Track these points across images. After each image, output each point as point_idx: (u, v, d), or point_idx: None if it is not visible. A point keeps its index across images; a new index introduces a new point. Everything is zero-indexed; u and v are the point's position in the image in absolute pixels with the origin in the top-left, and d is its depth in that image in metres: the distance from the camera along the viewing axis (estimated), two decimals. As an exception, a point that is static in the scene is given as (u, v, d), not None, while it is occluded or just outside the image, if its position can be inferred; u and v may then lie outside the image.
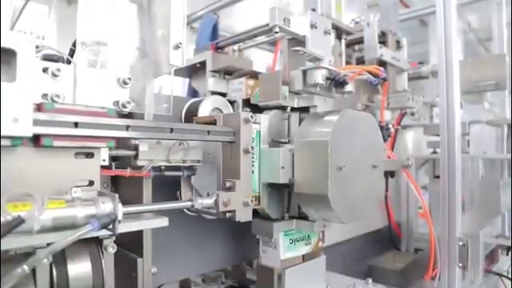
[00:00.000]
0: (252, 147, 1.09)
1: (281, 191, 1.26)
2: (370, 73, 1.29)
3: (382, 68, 1.33)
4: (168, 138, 0.99)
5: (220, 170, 1.13)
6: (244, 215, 1.08)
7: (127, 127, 0.88)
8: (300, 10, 1.86)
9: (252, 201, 1.09)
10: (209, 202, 1.03)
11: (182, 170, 1.16)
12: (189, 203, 1.00)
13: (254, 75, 1.47)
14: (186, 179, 1.20)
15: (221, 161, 1.13)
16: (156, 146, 1.04)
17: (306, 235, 1.36)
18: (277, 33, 1.34)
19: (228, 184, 1.07)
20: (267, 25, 1.35)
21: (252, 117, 1.10)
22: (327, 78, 1.22)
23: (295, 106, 1.29)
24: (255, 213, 1.23)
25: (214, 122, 1.12)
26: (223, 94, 1.52)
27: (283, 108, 1.27)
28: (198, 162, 1.16)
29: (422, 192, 1.94)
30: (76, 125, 0.80)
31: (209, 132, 1.04)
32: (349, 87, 1.28)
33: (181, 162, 1.11)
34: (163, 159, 1.06)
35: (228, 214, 1.07)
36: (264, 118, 1.24)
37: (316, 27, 1.38)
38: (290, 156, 1.18)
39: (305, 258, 1.37)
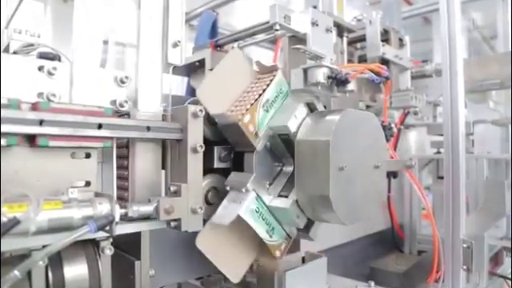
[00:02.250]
0: (201, 146, 0.99)
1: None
2: (372, 71, 1.29)
3: (384, 66, 1.32)
4: (98, 136, 0.86)
5: (168, 171, 1.05)
6: (192, 224, 0.99)
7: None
8: (301, 8, 1.86)
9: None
10: (147, 209, 0.92)
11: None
12: (122, 211, 0.88)
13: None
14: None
15: (169, 162, 1.05)
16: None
17: (273, 227, 1.16)
18: (277, 30, 1.33)
19: (173, 188, 0.98)
20: (267, 22, 1.35)
21: (201, 111, 1.01)
22: (329, 77, 1.19)
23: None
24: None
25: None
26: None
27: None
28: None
29: (425, 193, 1.94)
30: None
31: (148, 128, 0.95)
32: (351, 86, 1.26)
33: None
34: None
35: (173, 223, 0.98)
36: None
37: (317, 25, 1.37)
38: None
39: (305, 259, 1.37)
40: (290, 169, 1.19)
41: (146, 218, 0.96)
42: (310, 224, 1.21)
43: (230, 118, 1.06)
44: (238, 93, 1.15)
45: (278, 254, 1.18)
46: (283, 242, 1.20)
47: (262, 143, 1.13)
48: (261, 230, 1.12)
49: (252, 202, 1.10)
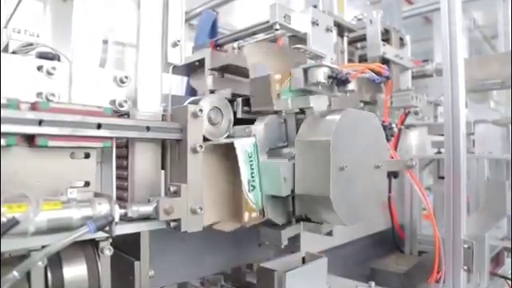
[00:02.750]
0: (201, 146, 0.99)
1: (285, 198, 1.24)
2: (372, 71, 1.29)
3: (385, 66, 1.32)
4: (97, 136, 0.87)
5: (168, 171, 1.05)
6: (192, 225, 0.98)
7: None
8: (301, 7, 1.86)
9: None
10: (147, 209, 0.92)
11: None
12: (121, 211, 0.88)
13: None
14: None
15: (168, 161, 1.05)
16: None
17: (254, 185, 1.14)
18: (277, 30, 1.33)
19: (173, 188, 0.97)
20: (267, 22, 1.35)
21: (201, 111, 1.01)
22: (329, 77, 1.19)
23: (290, 108, 1.25)
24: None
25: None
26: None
27: (278, 111, 1.25)
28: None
29: (426, 193, 1.94)
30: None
31: (148, 128, 0.95)
32: (351, 86, 1.27)
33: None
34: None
35: (173, 224, 0.98)
36: (259, 125, 1.21)
37: (317, 24, 1.37)
38: (291, 167, 1.16)
39: (305, 260, 1.37)
40: (292, 150, 1.19)
41: (145, 218, 0.96)
42: (287, 224, 1.25)
43: (266, 70, 1.21)
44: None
45: (246, 217, 1.12)
46: (255, 211, 1.16)
47: (279, 107, 1.22)
48: (245, 176, 1.11)
49: (250, 142, 1.12)
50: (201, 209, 1.00)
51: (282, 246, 1.25)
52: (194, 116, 1.00)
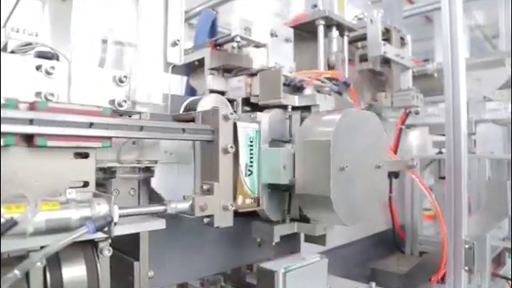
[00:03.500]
0: (232, 147, 1.04)
1: (281, 193, 1.26)
2: (329, 78, 1.34)
3: (341, 72, 1.36)
4: (140, 137, 0.93)
5: (198, 170, 1.09)
6: (224, 220, 1.03)
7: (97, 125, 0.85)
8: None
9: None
10: (184, 206, 0.97)
11: (137, 172, 1.08)
12: (161, 208, 0.94)
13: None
14: (143, 182, 1.12)
15: (198, 161, 1.08)
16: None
17: (251, 170, 1.16)
18: (238, 42, 1.48)
19: (206, 187, 1.02)
20: (230, 35, 1.50)
21: (232, 114, 1.05)
22: (284, 84, 1.27)
23: (296, 104, 1.29)
24: (255, 215, 1.22)
25: (192, 120, 1.09)
26: (222, 93, 1.52)
27: (284, 107, 1.28)
28: (156, 162, 1.09)
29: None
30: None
31: (184, 130, 0.98)
32: (307, 91, 1.34)
33: (135, 163, 1.04)
34: (113, 159, 1.00)
35: (206, 220, 1.02)
36: (264, 117, 1.24)
37: (276, 36, 1.52)
38: (291, 155, 1.18)
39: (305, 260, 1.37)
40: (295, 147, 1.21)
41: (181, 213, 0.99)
42: (282, 221, 1.27)
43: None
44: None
45: (239, 200, 1.12)
46: (250, 197, 1.16)
47: (286, 101, 1.27)
48: (243, 159, 1.13)
49: (252, 127, 1.15)
50: (232, 205, 1.04)
51: (273, 243, 1.26)
52: (225, 119, 1.04)
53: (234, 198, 1.10)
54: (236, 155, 1.09)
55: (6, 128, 0.73)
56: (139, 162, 1.05)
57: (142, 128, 0.91)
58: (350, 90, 1.70)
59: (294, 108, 1.30)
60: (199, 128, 1.03)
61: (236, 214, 1.07)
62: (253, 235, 1.30)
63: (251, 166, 1.15)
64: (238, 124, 1.10)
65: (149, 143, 1.06)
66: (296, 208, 1.27)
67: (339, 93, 1.40)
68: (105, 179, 1.02)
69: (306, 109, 1.30)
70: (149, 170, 1.10)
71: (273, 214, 1.25)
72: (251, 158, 1.15)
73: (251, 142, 1.15)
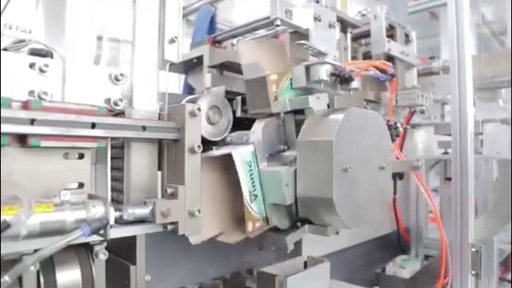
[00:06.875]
0: (199, 146, 0.99)
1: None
2: (377, 68, 1.29)
3: (389, 63, 1.33)
4: (92, 136, 0.86)
5: (165, 173, 1.05)
6: (190, 228, 0.98)
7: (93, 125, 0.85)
8: (303, 2, 1.86)
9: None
10: (143, 211, 0.92)
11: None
12: (116, 213, 0.88)
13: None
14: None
15: (165, 162, 1.05)
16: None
17: (256, 194, 1.17)
18: (278, 26, 1.33)
19: (170, 190, 0.97)
20: (268, 17, 1.35)
21: (199, 109, 1.01)
22: (332, 74, 1.19)
23: (288, 109, 1.25)
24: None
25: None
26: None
27: (276, 114, 1.25)
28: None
29: (432, 195, 1.94)
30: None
31: (144, 128, 0.94)
32: (355, 84, 1.26)
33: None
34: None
35: (170, 227, 0.97)
36: (257, 135, 1.20)
37: (320, 20, 1.38)
38: (293, 172, 1.15)
39: (307, 264, 1.37)
40: (293, 153, 1.19)
41: (141, 221, 0.96)
42: (292, 228, 1.24)
43: (261, 70, 1.19)
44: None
45: (249, 227, 1.13)
46: (259, 220, 1.17)
47: (277, 109, 1.21)
48: (246, 187, 1.12)
49: (248, 151, 1.13)
50: (199, 211, 1.00)
51: (288, 251, 1.24)
52: (191, 115, 1.00)
53: (244, 225, 1.10)
54: (238, 184, 1.08)
55: (-2, 128, 0.73)
56: None
57: (93, 125, 0.85)
58: (393, 80, 1.76)
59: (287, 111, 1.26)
60: (162, 126, 0.99)
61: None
62: (265, 247, 1.28)
63: (254, 190, 1.14)
64: (234, 152, 1.08)
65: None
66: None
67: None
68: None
69: (300, 111, 1.27)
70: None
71: (283, 223, 1.24)
72: (253, 182, 1.13)
73: (250, 166, 1.14)
